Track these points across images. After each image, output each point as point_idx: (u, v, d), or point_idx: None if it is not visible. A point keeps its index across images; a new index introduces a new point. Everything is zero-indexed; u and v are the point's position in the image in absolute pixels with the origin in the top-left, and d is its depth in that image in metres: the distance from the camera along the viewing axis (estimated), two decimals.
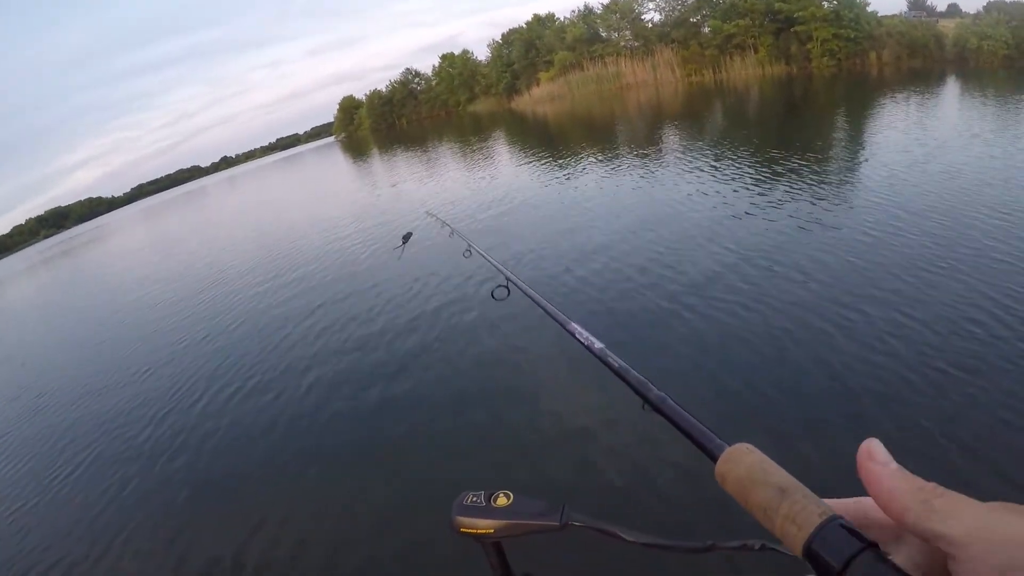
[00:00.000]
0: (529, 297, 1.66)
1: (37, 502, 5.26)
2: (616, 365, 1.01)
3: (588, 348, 1.14)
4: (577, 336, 1.20)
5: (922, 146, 9.67)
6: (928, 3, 33.63)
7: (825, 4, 24.57)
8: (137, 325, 10.67)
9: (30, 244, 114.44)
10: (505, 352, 5.39)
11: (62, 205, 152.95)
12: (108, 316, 12.94)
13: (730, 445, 0.63)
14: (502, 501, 0.98)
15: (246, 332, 8.14)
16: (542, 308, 1.51)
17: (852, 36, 23.21)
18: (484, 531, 0.97)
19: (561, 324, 1.30)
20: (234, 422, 5.55)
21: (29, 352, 12.12)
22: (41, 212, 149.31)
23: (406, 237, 4.80)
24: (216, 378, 6.69)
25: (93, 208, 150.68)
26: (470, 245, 2.80)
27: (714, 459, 0.64)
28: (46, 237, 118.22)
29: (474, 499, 0.99)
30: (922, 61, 20.97)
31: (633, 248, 7.27)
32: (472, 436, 4.32)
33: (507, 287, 1.91)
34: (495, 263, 2.14)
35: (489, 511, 0.97)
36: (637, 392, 0.92)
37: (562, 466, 3.75)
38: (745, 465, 0.58)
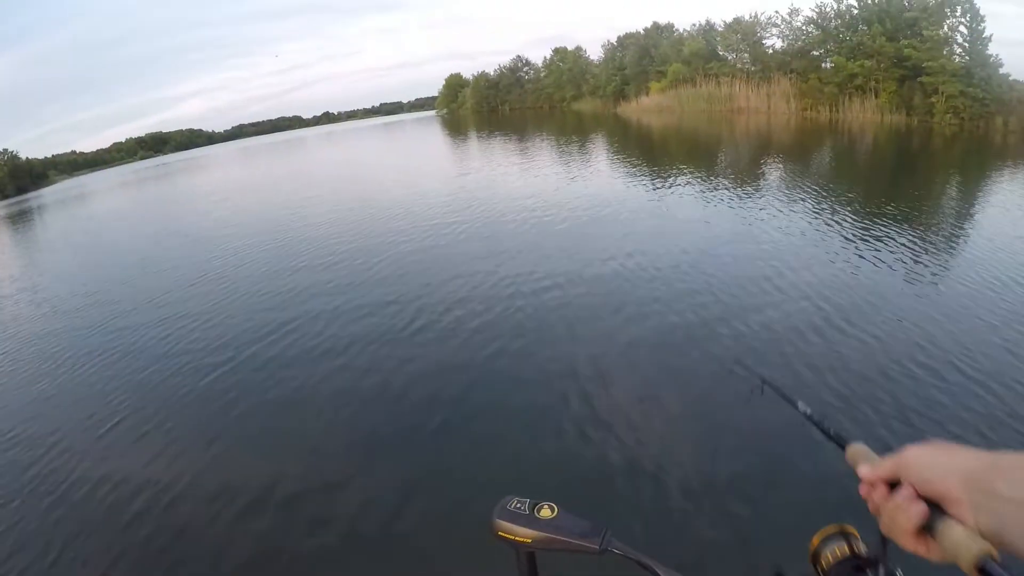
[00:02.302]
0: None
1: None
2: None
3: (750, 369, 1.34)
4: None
5: None
6: None
7: (957, 59, 24.06)
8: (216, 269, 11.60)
9: (127, 162, 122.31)
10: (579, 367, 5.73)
11: (163, 131, 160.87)
12: (178, 244, 15.05)
13: (851, 442, 0.85)
14: (546, 513, 0.98)
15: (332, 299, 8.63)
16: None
17: (981, 96, 22.67)
18: (522, 539, 0.98)
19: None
20: (314, 389, 5.97)
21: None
22: (143, 134, 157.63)
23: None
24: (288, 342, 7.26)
25: (192, 139, 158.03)
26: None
27: (843, 448, 0.86)
28: (143, 159, 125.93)
29: (518, 505, 1.00)
30: None
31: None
32: (531, 445, 4.60)
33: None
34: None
35: (531, 520, 0.98)
36: (787, 400, 1.13)
37: (614, 490, 3.96)
38: (862, 455, 0.81)
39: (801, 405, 1.08)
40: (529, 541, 0.97)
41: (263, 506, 4.25)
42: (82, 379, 7.15)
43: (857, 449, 0.84)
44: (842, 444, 0.88)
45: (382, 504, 4.10)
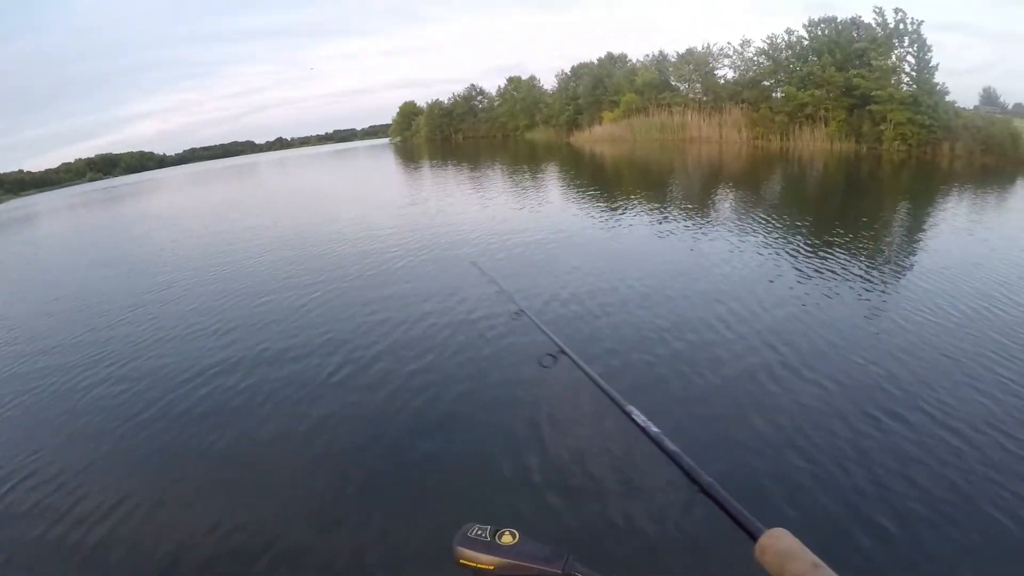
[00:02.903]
0: (585, 373, 1.74)
1: None
2: (671, 449, 1.14)
3: (645, 431, 1.23)
4: (635, 418, 1.30)
5: (982, 245, 9.73)
6: (1000, 99, 33.70)
7: (904, 88, 24.50)
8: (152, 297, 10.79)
9: (75, 183, 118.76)
10: (541, 407, 5.20)
11: (114, 153, 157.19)
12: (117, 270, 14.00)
13: (767, 528, 0.79)
14: (507, 539, 0.98)
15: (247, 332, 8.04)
16: (598, 386, 1.61)
17: (928, 124, 23.06)
18: (484, 566, 0.97)
19: (619, 405, 1.39)
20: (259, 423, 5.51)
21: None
22: (93, 155, 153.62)
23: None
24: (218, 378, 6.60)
25: (143, 161, 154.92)
26: (521, 309, 2.85)
27: (754, 538, 0.81)
28: (91, 180, 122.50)
29: (479, 532, 1.00)
30: (996, 158, 20.74)
31: (683, 317, 7.09)
32: (491, 473, 4.35)
33: (555, 356, 1.96)
34: (548, 332, 2.16)
35: (493, 547, 0.97)
36: (689, 476, 1.06)
37: (576, 516, 3.82)
38: (785, 543, 0.74)
39: (705, 478, 1.03)
40: (491, 568, 0.96)
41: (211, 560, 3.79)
42: None
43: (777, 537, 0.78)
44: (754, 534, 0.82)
45: (340, 536, 3.90)
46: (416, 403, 5.50)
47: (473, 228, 13.63)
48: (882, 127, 25.17)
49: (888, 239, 10.89)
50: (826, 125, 28.39)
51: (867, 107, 25.76)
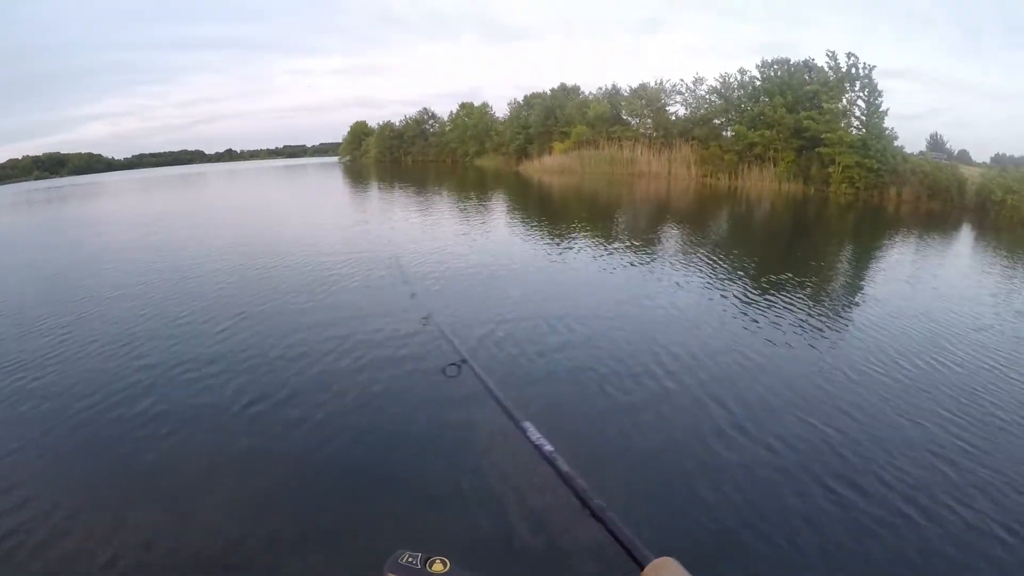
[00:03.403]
0: (485, 386, 1.73)
1: None
2: (563, 470, 1.14)
3: (539, 449, 1.23)
4: (528, 435, 1.30)
5: (930, 292, 9.68)
6: (947, 145, 34.42)
7: (854, 131, 24.56)
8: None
9: (20, 181, 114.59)
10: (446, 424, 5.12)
11: (62, 152, 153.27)
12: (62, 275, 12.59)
13: (656, 557, 0.76)
14: (438, 567, 0.95)
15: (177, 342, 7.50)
16: (496, 400, 1.63)
17: (876, 168, 23.07)
18: None
19: (515, 421, 1.39)
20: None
21: None
22: (40, 153, 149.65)
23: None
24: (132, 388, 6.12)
25: (91, 163, 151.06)
26: (430, 314, 3.03)
27: (641, 567, 0.78)
28: (37, 179, 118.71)
29: (410, 559, 0.96)
30: (941, 204, 20.81)
31: (603, 346, 6.91)
32: (397, 500, 4.18)
33: (459, 366, 2.01)
34: (454, 340, 2.26)
35: (423, 575, 0.94)
36: (579, 498, 1.05)
37: (456, 531, 3.78)
38: (671, 574, 0.70)
39: (596, 501, 1.04)
40: None
41: None
42: None
43: (664, 567, 0.77)
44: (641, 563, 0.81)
45: (265, 562, 3.67)
46: (329, 428, 5.21)
47: (413, 252, 13.00)
48: (830, 169, 25.12)
49: (836, 283, 10.80)
50: (775, 165, 28.28)
51: (816, 149, 25.72)
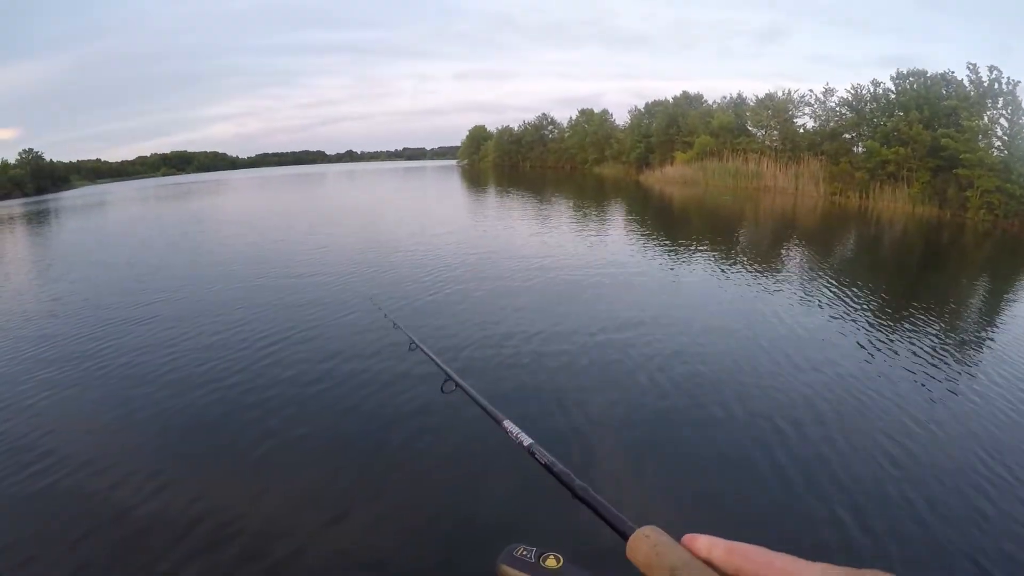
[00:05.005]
0: (468, 395, 1.89)
1: None
2: (546, 460, 1.21)
3: (520, 443, 1.33)
4: (507, 429, 1.42)
5: None
6: None
7: (995, 152, 23.77)
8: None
9: (149, 177, 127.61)
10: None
11: (188, 151, 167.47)
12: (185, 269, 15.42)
13: (638, 527, 0.77)
14: (551, 563, 1.00)
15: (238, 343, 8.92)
16: (477, 403, 1.75)
17: (1019, 193, 22.24)
18: None
19: (495, 419, 1.51)
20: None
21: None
22: (168, 151, 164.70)
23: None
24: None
25: (215, 161, 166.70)
26: (413, 340, 3.12)
27: (625, 538, 0.78)
28: (164, 175, 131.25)
29: (524, 553, 1.02)
30: None
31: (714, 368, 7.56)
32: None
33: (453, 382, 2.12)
34: (437, 360, 2.41)
35: (536, 569, 0.99)
36: (562, 482, 1.12)
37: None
38: (650, 544, 0.71)
39: (578, 483, 1.08)
40: None
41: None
42: None
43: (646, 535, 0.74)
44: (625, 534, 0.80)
45: (385, 548, 4.36)
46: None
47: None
48: (968, 193, 24.33)
49: (965, 322, 10.41)
50: (908, 186, 27.60)
51: (953, 170, 24.95)
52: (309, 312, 10.31)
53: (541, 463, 1.22)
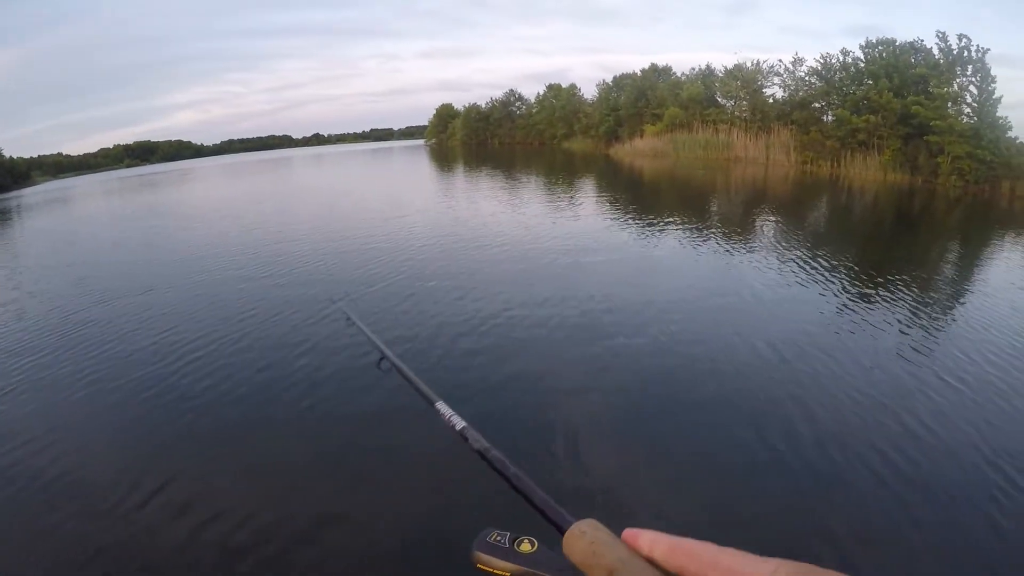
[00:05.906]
0: (401, 373, 1.79)
1: None
2: (479, 445, 1.17)
3: (452, 426, 1.28)
4: (440, 411, 1.36)
5: None
6: None
7: (965, 120, 23.93)
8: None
9: (113, 168, 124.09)
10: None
11: (152, 140, 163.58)
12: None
13: (577, 520, 0.74)
14: (526, 547, 0.98)
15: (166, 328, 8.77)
16: (409, 381, 1.67)
17: (988, 159, 22.46)
18: (500, 572, 0.98)
19: (427, 399, 1.46)
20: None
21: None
22: (131, 141, 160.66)
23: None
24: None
25: (180, 150, 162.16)
26: (349, 316, 3.00)
27: (561, 531, 0.77)
28: (128, 166, 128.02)
29: (498, 538, 1.01)
30: None
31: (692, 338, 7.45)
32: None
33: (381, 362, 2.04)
34: (371, 334, 2.29)
35: (510, 554, 0.98)
36: (496, 469, 1.10)
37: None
38: (587, 540, 0.68)
39: (512, 470, 1.07)
40: (507, 574, 0.95)
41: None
42: None
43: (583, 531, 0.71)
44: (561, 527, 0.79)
45: (365, 533, 4.25)
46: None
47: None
48: (938, 160, 24.51)
49: (938, 285, 10.51)
50: (879, 154, 27.79)
51: (924, 137, 25.13)
52: (257, 300, 9.81)
53: (474, 448, 1.18)
